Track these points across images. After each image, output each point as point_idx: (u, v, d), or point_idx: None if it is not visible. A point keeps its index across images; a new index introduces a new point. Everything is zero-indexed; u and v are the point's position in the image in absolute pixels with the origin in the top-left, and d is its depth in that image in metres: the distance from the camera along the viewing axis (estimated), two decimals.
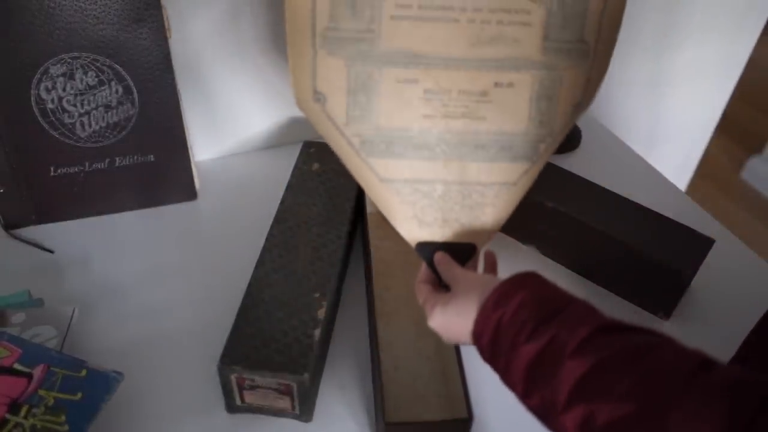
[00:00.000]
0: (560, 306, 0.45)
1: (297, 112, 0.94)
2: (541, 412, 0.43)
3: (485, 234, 0.59)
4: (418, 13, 0.53)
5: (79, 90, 0.70)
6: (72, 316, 0.64)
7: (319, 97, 0.55)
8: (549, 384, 0.41)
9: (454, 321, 0.50)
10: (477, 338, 0.48)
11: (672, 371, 0.37)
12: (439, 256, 0.56)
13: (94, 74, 0.70)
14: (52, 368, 0.54)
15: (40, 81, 0.68)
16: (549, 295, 0.47)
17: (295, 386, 0.54)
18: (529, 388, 0.44)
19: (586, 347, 0.41)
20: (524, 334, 0.44)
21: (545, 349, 0.43)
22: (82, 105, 0.71)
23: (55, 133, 0.72)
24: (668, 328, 0.68)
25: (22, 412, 0.51)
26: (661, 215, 0.72)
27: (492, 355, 0.47)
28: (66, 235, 0.76)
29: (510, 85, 0.55)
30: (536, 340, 0.43)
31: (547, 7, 0.54)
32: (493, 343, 0.46)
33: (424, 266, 0.58)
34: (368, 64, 0.54)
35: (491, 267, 0.58)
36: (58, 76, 0.69)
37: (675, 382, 0.37)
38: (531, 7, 0.54)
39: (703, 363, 0.37)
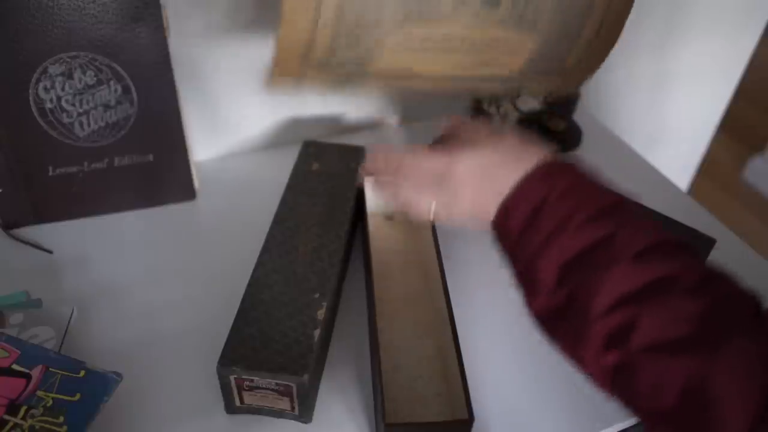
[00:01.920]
0: (618, 202, 0.40)
1: (297, 112, 0.94)
2: (560, 312, 0.39)
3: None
4: (420, 46, 0.52)
5: (78, 89, 0.70)
6: (70, 317, 0.64)
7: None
8: (589, 284, 0.37)
9: (489, 169, 0.43)
10: (508, 210, 0.41)
11: (735, 307, 0.35)
12: (456, 118, 0.49)
13: (93, 74, 0.70)
14: (50, 369, 0.54)
15: (38, 80, 0.68)
16: (604, 189, 0.41)
17: (294, 387, 0.54)
18: (561, 281, 0.38)
19: (648, 256, 0.37)
20: (573, 223, 0.38)
21: (597, 245, 0.37)
22: (81, 104, 0.71)
23: (53, 133, 0.72)
24: None
25: (21, 413, 0.50)
26: (662, 215, 0.72)
27: (521, 234, 0.40)
28: (65, 235, 0.76)
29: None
30: (588, 232, 0.38)
31: (545, 38, 0.54)
32: (529, 221, 0.40)
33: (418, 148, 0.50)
34: (361, 77, 0.54)
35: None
36: (56, 76, 0.68)
37: (736, 318, 0.34)
38: (530, 39, 0.54)
39: (760, 307, 0.35)
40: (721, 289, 0.36)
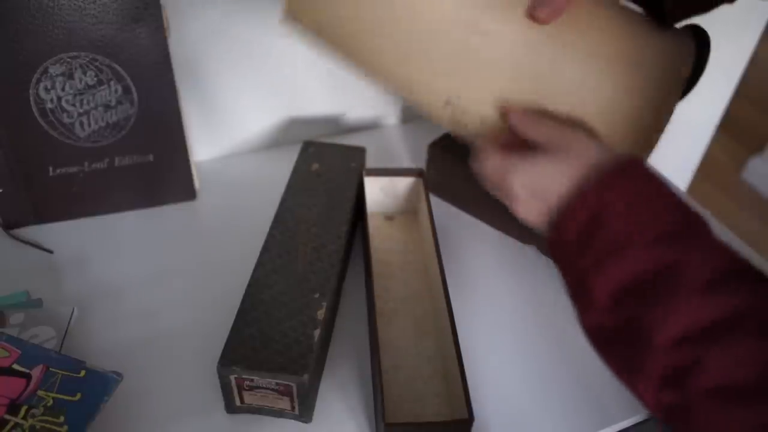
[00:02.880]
0: (687, 220, 0.36)
1: (297, 112, 0.94)
2: (616, 334, 0.35)
3: None
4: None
5: (78, 90, 0.70)
6: (71, 317, 0.64)
7: None
8: (651, 313, 0.33)
9: (541, 183, 0.39)
10: (568, 212, 0.38)
11: None
12: (519, 115, 0.44)
13: (93, 74, 0.70)
14: (51, 369, 0.54)
15: (39, 81, 0.68)
16: (671, 202, 0.37)
17: (294, 387, 0.54)
18: (618, 304, 0.35)
19: (721, 287, 0.33)
20: (635, 243, 0.35)
21: (662, 270, 0.34)
22: (81, 105, 0.71)
23: (54, 133, 0.72)
24: None
25: (21, 413, 0.51)
26: None
27: (574, 246, 0.37)
28: (65, 235, 0.76)
29: None
30: (652, 255, 0.34)
31: None
32: (584, 235, 0.36)
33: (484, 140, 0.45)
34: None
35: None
36: (57, 76, 0.68)
37: None
38: None
39: None
40: None
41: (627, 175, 0.37)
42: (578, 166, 0.38)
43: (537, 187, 0.40)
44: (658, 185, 0.38)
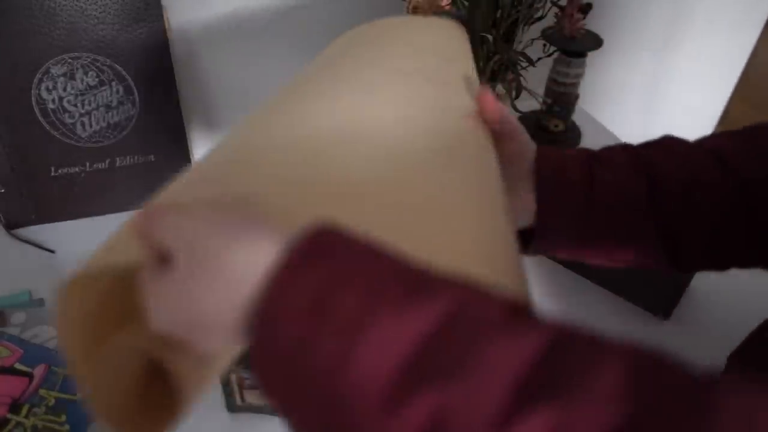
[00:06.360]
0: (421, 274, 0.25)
1: None
2: None
3: None
4: None
5: (80, 90, 0.70)
6: None
7: None
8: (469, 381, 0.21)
9: (196, 296, 0.27)
10: (262, 322, 0.25)
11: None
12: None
13: (95, 74, 0.70)
14: (52, 368, 0.54)
15: (41, 81, 0.68)
16: (388, 262, 0.25)
17: None
18: (406, 390, 0.22)
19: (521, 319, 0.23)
20: (384, 312, 0.23)
21: (443, 322, 0.23)
22: (83, 105, 0.71)
23: (55, 133, 0.72)
24: (668, 328, 0.68)
25: (23, 412, 0.51)
26: None
27: (304, 344, 0.24)
28: (66, 235, 0.76)
29: None
30: (414, 311, 0.23)
31: None
32: (312, 318, 0.24)
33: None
34: None
35: None
36: (58, 76, 0.69)
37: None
38: None
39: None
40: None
41: (320, 250, 0.25)
42: (258, 254, 0.26)
43: (188, 310, 0.28)
44: (350, 248, 0.26)
